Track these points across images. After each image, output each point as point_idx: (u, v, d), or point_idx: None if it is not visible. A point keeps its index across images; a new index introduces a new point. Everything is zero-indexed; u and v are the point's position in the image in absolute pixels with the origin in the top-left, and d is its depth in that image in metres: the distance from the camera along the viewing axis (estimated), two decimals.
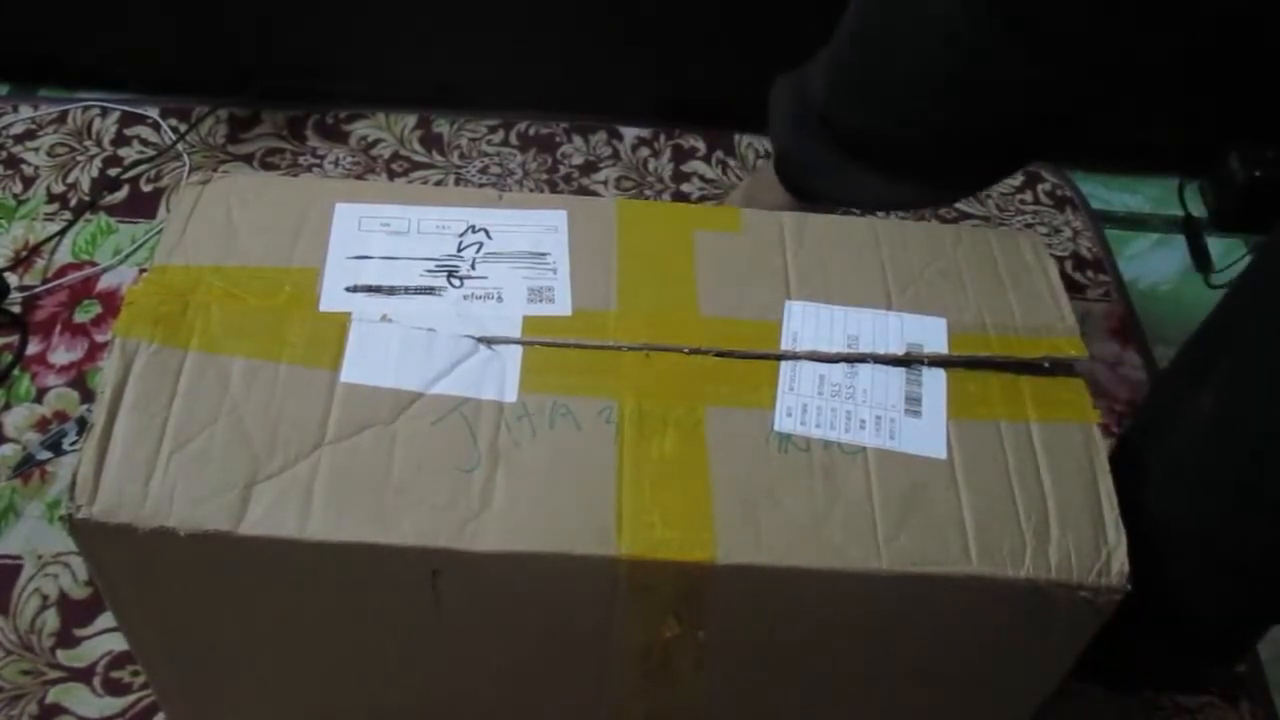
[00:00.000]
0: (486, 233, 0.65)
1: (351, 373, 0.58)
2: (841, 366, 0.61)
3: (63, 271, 1.09)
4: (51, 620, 0.87)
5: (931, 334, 0.63)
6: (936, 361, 0.62)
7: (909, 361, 0.62)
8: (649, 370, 0.60)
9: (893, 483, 0.58)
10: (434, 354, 0.59)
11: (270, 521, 0.54)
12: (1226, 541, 0.66)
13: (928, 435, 0.59)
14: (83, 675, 0.84)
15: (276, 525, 0.54)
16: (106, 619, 0.86)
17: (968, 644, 0.61)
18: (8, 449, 0.96)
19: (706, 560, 0.55)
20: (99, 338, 1.04)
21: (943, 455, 0.59)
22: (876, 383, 0.61)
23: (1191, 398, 0.66)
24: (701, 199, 1.20)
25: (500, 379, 0.59)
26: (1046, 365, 0.62)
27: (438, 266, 0.63)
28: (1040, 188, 1.28)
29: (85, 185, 1.17)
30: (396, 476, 0.55)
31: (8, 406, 0.98)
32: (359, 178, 1.20)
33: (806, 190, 0.87)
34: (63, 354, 1.03)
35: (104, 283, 1.09)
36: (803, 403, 0.60)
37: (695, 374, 0.60)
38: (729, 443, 0.58)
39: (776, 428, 0.59)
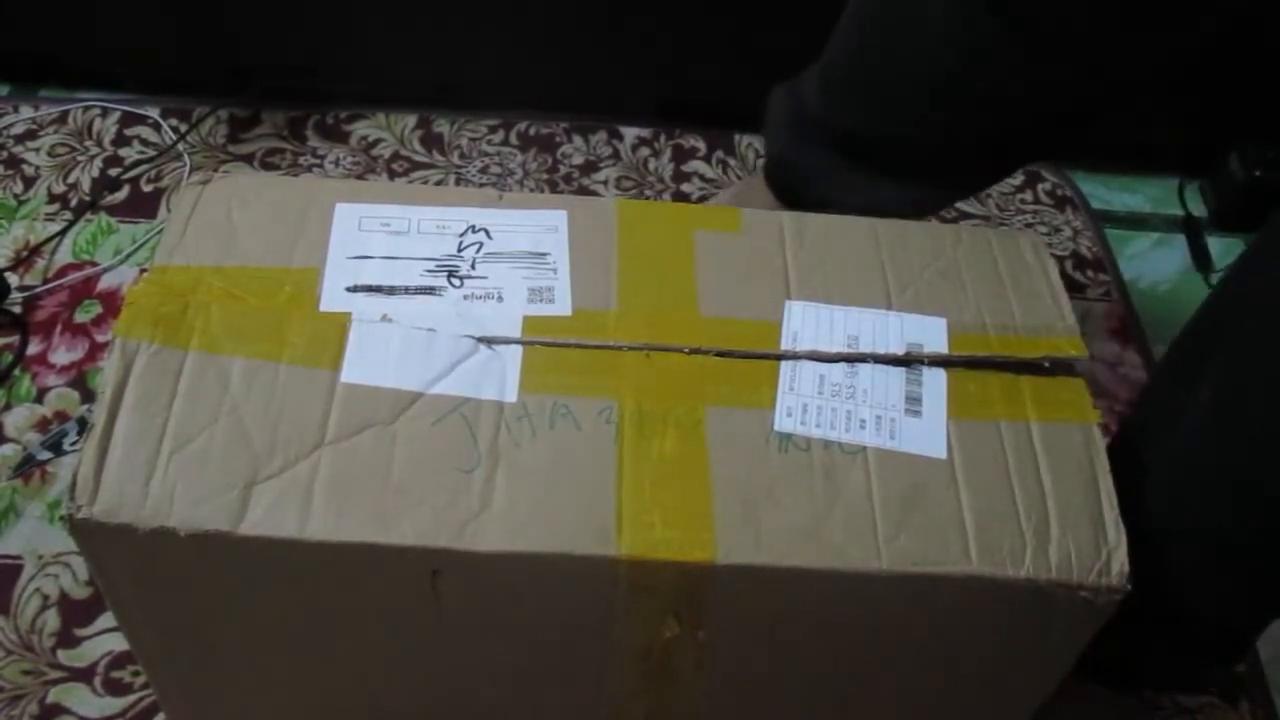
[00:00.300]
0: (486, 233, 0.65)
1: (352, 373, 0.58)
2: (841, 366, 0.61)
3: (63, 271, 1.09)
4: (52, 620, 0.87)
5: (931, 334, 0.63)
6: (936, 361, 0.62)
7: (909, 361, 0.62)
8: (649, 370, 0.60)
9: (893, 483, 0.58)
10: (434, 354, 0.59)
11: (270, 521, 0.54)
12: (1226, 537, 0.66)
13: (928, 435, 0.59)
14: (83, 675, 0.84)
15: (276, 525, 0.54)
16: (107, 619, 0.86)
17: (968, 644, 0.61)
18: (8, 449, 0.96)
19: (706, 560, 0.55)
20: (99, 338, 1.04)
21: (943, 455, 0.59)
22: (876, 383, 0.61)
23: (1188, 393, 0.66)
24: (702, 199, 1.20)
25: (500, 379, 0.59)
26: (1047, 365, 0.62)
27: (438, 266, 0.63)
28: (1040, 187, 1.28)
29: (86, 185, 1.17)
30: (396, 476, 0.55)
31: (8, 406, 0.98)
32: (359, 178, 1.20)
33: (798, 197, 0.87)
34: (63, 354, 1.03)
35: (104, 283, 1.09)
36: (803, 403, 0.60)
37: (695, 374, 0.60)
38: (729, 443, 0.58)
39: (777, 428, 0.59)
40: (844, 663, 0.62)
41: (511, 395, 0.59)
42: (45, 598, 0.88)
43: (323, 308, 0.61)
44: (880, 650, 0.61)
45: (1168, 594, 0.67)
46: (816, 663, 0.62)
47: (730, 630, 0.59)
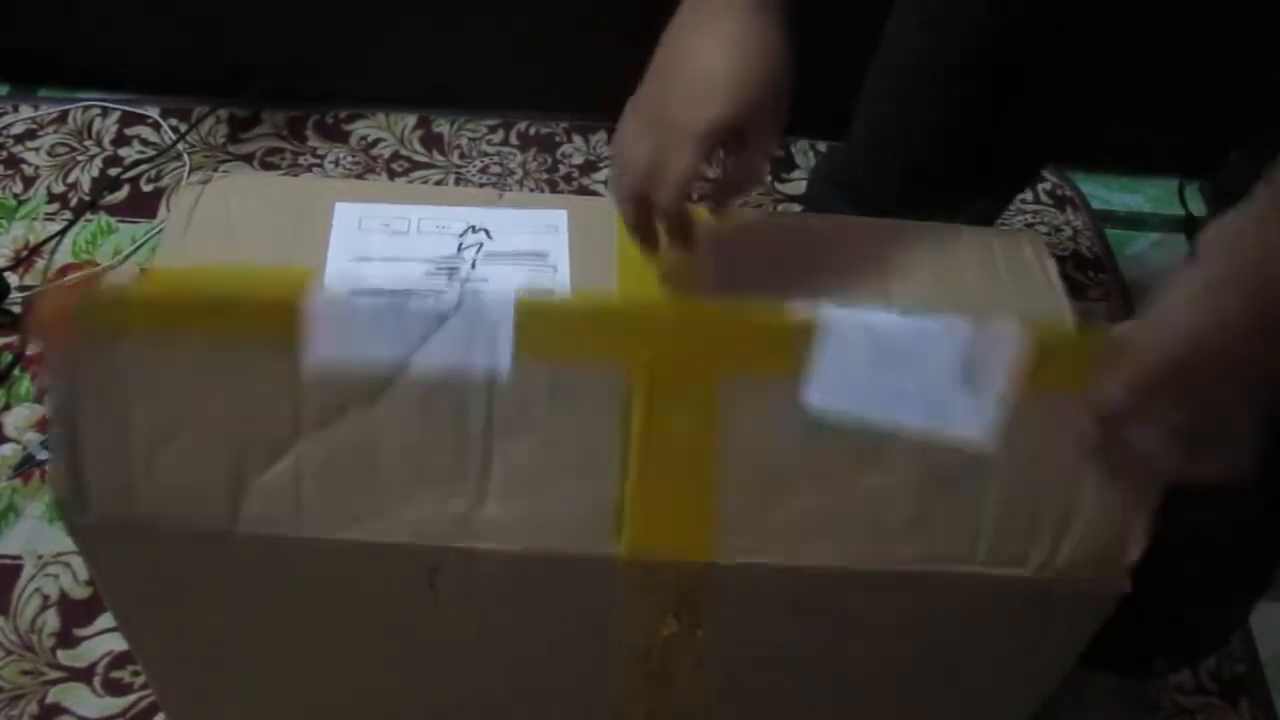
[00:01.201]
0: (487, 233, 0.65)
1: (318, 352, 0.52)
2: (897, 329, 0.53)
3: (63, 271, 1.09)
4: (52, 620, 0.87)
5: None
6: None
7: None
8: (665, 333, 0.54)
9: (914, 475, 0.55)
10: (410, 322, 0.52)
11: (264, 520, 0.53)
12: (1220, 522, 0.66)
13: (976, 417, 0.53)
14: (83, 675, 0.84)
15: (270, 523, 0.53)
16: (106, 619, 0.86)
17: (969, 641, 0.60)
18: (8, 449, 0.96)
19: (707, 560, 0.54)
20: None
21: (984, 441, 0.54)
22: (933, 352, 0.53)
23: None
24: (701, 198, 1.20)
25: (491, 345, 0.53)
26: None
27: (438, 267, 0.63)
28: (1040, 188, 1.28)
29: (85, 185, 1.17)
30: (385, 468, 0.54)
31: (8, 406, 0.99)
32: (359, 177, 1.21)
33: None
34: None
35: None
36: (842, 374, 0.53)
37: (716, 340, 0.55)
38: (746, 426, 0.54)
39: (805, 404, 0.53)
40: (844, 661, 0.62)
41: (505, 362, 0.52)
42: (45, 598, 0.88)
43: None
44: (882, 647, 0.61)
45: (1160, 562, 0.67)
46: (817, 661, 0.62)
47: (730, 630, 0.59)
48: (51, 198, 1.15)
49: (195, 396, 0.53)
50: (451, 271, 0.63)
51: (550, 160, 1.24)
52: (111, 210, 1.15)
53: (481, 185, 1.21)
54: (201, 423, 0.54)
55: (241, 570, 0.57)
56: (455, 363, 0.52)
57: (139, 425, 0.53)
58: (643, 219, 0.59)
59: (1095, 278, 1.20)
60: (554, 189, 1.21)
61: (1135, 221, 1.27)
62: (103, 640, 0.86)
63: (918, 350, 0.52)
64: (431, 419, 0.54)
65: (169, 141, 1.21)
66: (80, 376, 0.53)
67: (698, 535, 0.55)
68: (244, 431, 0.54)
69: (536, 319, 0.53)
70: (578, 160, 1.25)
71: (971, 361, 0.52)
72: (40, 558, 0.90)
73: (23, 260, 1.09)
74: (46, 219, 1.13)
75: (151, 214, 1.15)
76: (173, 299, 0.53)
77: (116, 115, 1.24)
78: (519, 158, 1.25)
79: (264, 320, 0.53)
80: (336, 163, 1.22)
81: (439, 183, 1.21)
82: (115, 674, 0.84)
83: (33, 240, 1.11)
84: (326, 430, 0.54)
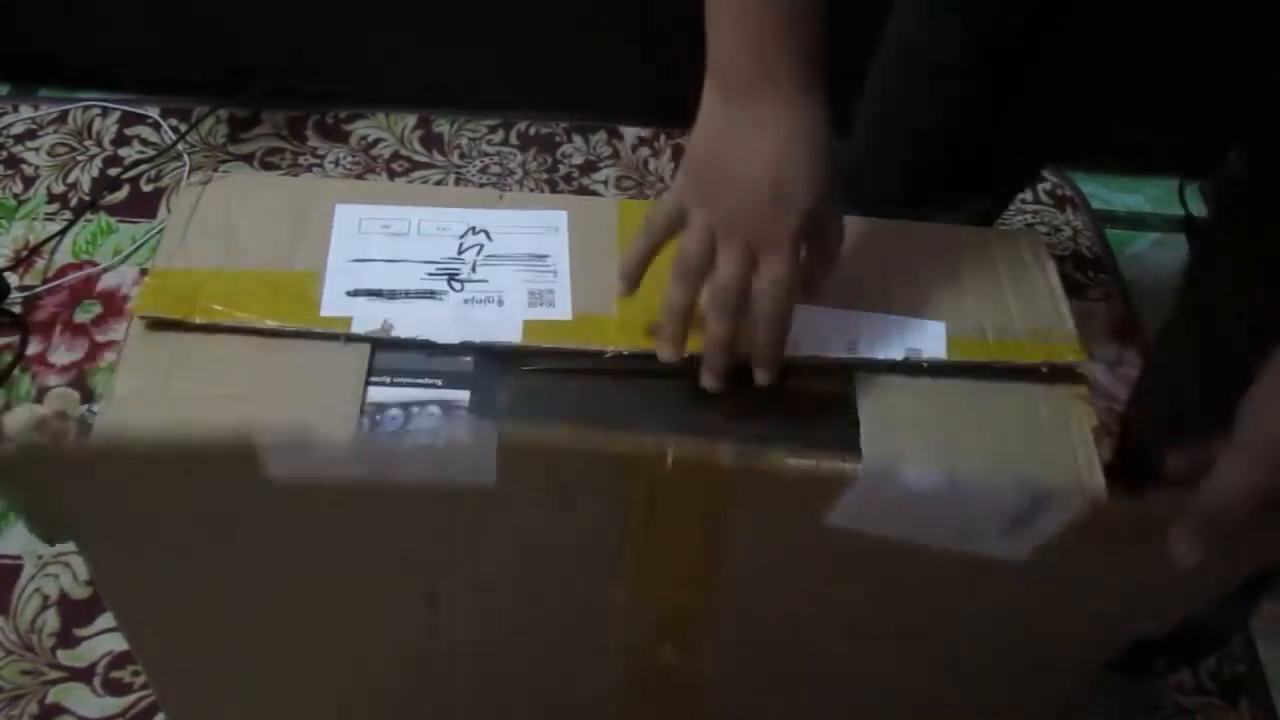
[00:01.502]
0: (487, 234, 0.65)
1: (283, 477, 0.46)
2: (935, 485, 0.45)
3: (63, 271, 1.09)
4: (52, 620, 0.87)
5: (930, 338, 0.63)
6: (935, 367, 0.62)
7: (908, 368, 0.61)
8: (666, 473, 0.47)
9: (934, 570, 0.50)
10: (381, 456, 0.47)
11: (256, 553, 0.53)
12: None
13: (1013, 550, 0.48)
14: (83, 675, 0.84)
15: (261, 555, 0.53)
16: (106, 619, 0.86)
17: (976, 673, 0.60)
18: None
19: (708, 608, 0.54)
20: (99, 338, 1.05)
21: (1018, 561, 0.48)
22: (972, 510, 0.46)
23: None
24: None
25: (474, 462, 0.46)
26: (1044, 370, 0.62)
27: (438, 270, 0.63)
28: (1040, 188, 1.28)
29: (85, 185, 1.17)
30: (370, 541, 0.51)
31: (8, 406, 0.99)
32: (359, 177, 1.21)
33: None
34: (63, 354, 1.03)
35: (104, 283, 1.09)
36: (868, 509, 0.47)
37: (724, 479, 0.47)
38: (758, 532, 0.49)
39: (826, 523, 0.47)
40: (843, 683, 0.61)
41: (490, 479, 0.46)
42: (45, 598, 0.88)
43: (324, 312, 0.61)
44: (882, 680, 0.60)
45: None
46: (815, 677, 0.62)
47: (731, 652, 0.58)
48: (51, 198, 1.15)
49: (162, 495, 0.49)
50: (452, 275, 0.63)
51: (550, 160, 1.24)
52: (111, 210, 1.15)
53: (481, 185, 1.21)
54: (174, 513, 0.50)
55: (240, 585, 0.56)
56: (440, 476, 0.47)
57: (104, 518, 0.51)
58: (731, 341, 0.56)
59: (1095, 278, 1.20)
60: (554, 189, 1.22)
61: (1135, 221, 1.27)
62: (103, 640, 0.86)
63: (954, 504, 0.46)
64: (416, 510, 0.49)
65: (169, 141, 1.21)
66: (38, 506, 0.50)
67: (704, 592, 0.53)
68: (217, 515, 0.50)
69: (521, 455, 0.46)
70: (578, 160, 1.25)
71: (1017, 519, 0.46)
72: (40, 558, 0.90)
73: (23, 260, 1.09)
74: (46, 219, 1.13)
75: (151, 214, 1.15)
76: (125, 450, 0.47)
77: (116, 115, 1.24)
78: (519, 158, 1.25)
79: (221, 456, 0.46)
80: (336, 163, 1.22)
81: (439, 183, 1.21)
82: (115, 674, 0.84)
83: (33, 240, 1.11)
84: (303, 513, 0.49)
